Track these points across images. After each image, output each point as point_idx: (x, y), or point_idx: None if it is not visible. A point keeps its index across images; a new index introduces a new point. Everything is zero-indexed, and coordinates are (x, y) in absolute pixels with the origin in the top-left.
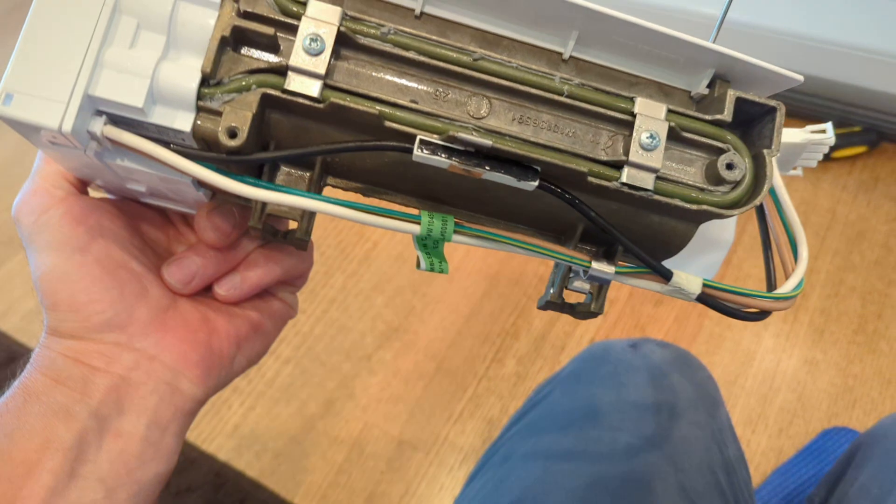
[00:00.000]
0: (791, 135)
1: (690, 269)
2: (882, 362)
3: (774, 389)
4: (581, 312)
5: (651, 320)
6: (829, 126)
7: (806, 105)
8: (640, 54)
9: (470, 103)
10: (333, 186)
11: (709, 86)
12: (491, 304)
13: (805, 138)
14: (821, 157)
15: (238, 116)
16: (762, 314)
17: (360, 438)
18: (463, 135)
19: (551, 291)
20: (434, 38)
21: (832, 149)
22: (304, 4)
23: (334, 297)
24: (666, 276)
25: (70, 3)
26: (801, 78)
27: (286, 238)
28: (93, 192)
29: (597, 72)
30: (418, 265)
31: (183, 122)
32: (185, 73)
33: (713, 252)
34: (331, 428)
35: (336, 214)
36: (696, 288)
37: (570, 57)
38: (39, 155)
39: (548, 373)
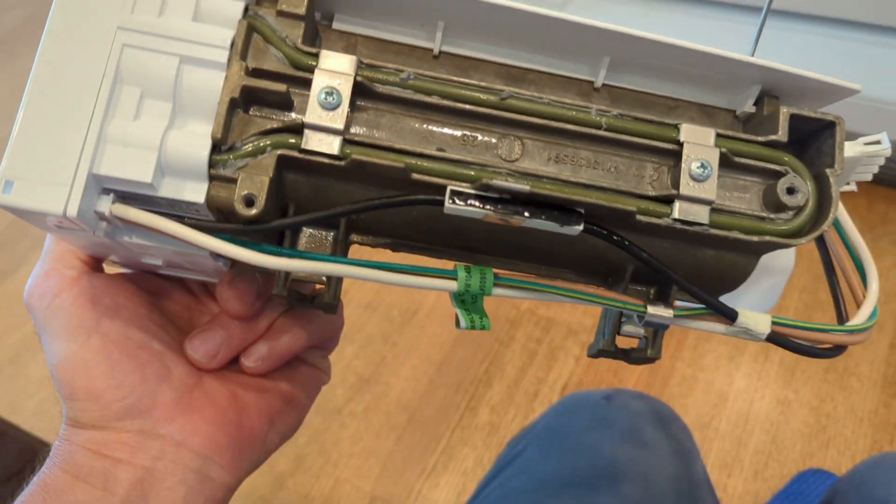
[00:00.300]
0: (845, 148)
1: (747, 299)
2: (854, 400)
3: (748, 431)
4: (636, 359)
5: (623, 364)
6: (883, 136)
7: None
8: (678, 75)
9: (501, 146)
10: (360, 244)
11: (756, 103)
12: (463, 350)
13: (860, 151)
14: (876, 169)
15: (254, 183)
16: (837, 350)
17: (331, 496)
18: (497, 182)
19: (603, 339)
20: (457, 79)
21: None
22: (317, 55)
23: None
24: (731, 316)
25: (69, 77)
26: (859, 87)
27: (314, 303)
28: (108, 268)
29: (632, 98)
30: (458, 324)
31: (195, 193)
32: (195, 142)
33: (772, 279)
34: (301, 486)
35: (364, 278)
36: (764, 328)
37: (603, 85)
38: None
39: (522, 421)
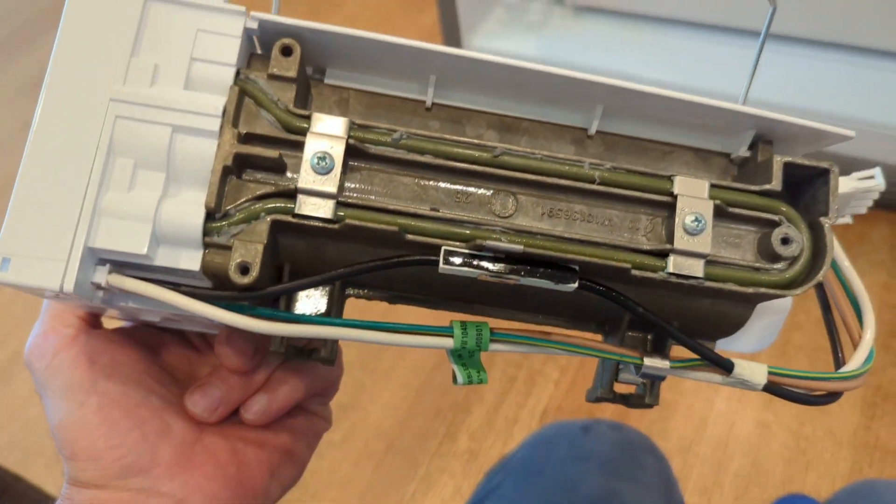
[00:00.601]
0: (840, 184)
1: (744, 339)
2: (832, 423)
3: (728, 455)
4: (634, 404)
5: None
6: (877, 171)
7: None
8: (672, 121)
9: (494, 202)
10: (356, 297)
11: (750, 147)
12: (441, 375)
13: (854, 187)
14: (871, 203)
15: (249, 251)
16: (833, 396)
17: None
18: (490, 242)
19: (601, 387)
20: (449, 137)
21: None
22: (309, 118)
23: None
24: (727, 367)
25: (63, 151)
26: (852, 133)
27: (311, 357)
28: (106, 321)
29: (626, 144)
30: (455, 380)
31: (191, 261)
32: (189, 211)
33: (769, 318)
34: None
35: (361, 340)
36: (761, 378)
37: (597, 132)
38: None
39: (501, 447)
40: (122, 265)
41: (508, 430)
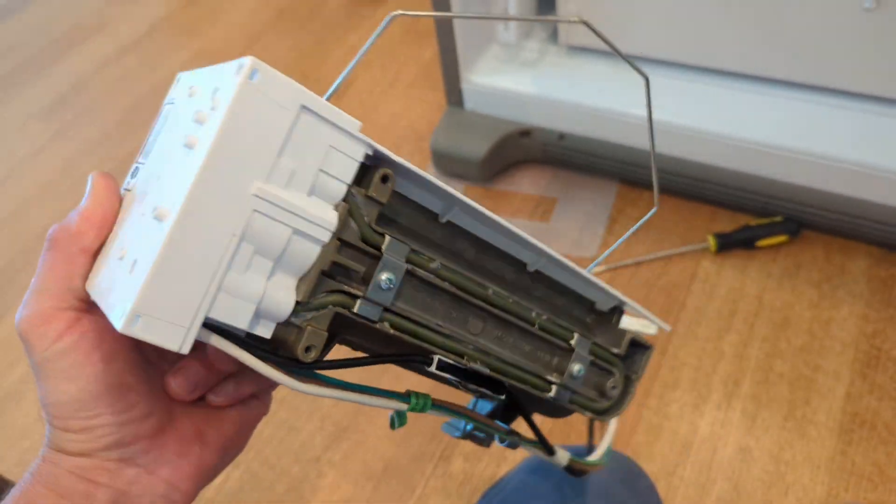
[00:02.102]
0: (629, 323)
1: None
2: (811, 448)
3: (711, 479)
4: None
5: None
6: (654, 328)
7: (732, 197)
8: (577, 277)
9: (471, 323)
10: (340, 343)
11: (612, 309)
12: (438, 397)
13: (637, 327)
14: (653, 332)
15: (316, 336)
16: (581, 473)
17: None
18: (475, 366)
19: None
20: (465, 273)
21: (757, 238)
22: (383, 236)
23: (283, 397)
24: (550, 452)
25: (205, 231)
26: (668, 327)
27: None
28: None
29: (549, 282)
30: (392, 426)
31: (265, 330)
32: (284, 298)
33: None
34: None
35: (331, 396)
36: (564, 461)
37: (535, 271)
38: (41, 263)
39: (495, 469)
40: (214, 327)
41: (501, 453)
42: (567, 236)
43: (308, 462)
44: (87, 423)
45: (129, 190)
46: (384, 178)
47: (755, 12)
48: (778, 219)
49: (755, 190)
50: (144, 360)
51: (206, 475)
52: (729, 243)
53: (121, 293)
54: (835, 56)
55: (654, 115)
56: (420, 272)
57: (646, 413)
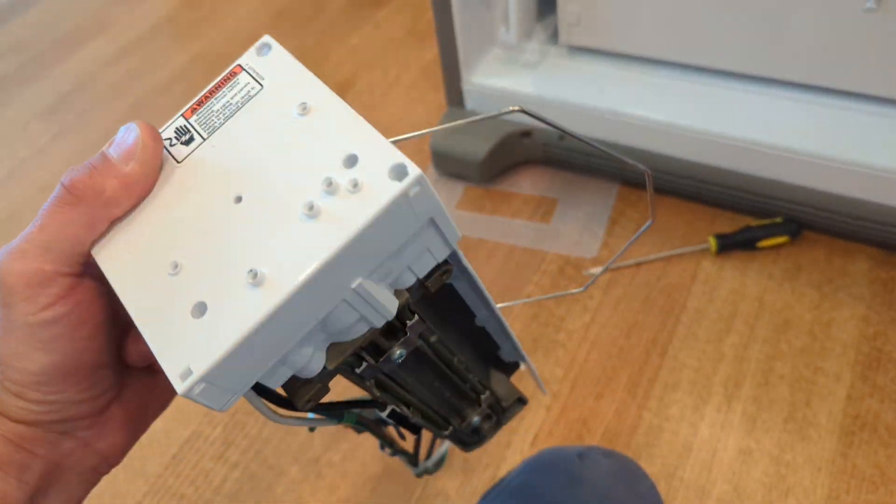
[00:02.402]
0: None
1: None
2: (812, 450)
3: (711, 481)
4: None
5: (592, 414)
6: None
7: (733, 197)
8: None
9: (432, 382)
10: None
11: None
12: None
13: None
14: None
15: (322, 393)
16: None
17: None
18: (416, 418)
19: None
20: (447, 343)
21: (757, 239)
22: (413, 313)
23: None
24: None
25: (297, 318)
26: (546, 391)
27: None
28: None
29: (483, 332)
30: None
31: (283, 378)
32: (316, 363)
33: None
34: None
35: (297, 424)
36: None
37: (480, 325)
38: (50, 214)
39: (494, 470)
40: None
41: (501, 454)
42: (568, 237)
43: (307, 463)
44: (47, 397)
45: (174, 157)
46: (444, 273)
47: (756, 13)
48: (778, 220)
49: (756, 191)
50: (116, 322)
51: (133, 444)
52: (729, 244)
53: (181, 340)
54: (836, 56)
55: (655, 115)
56: (422, 345)
57: (646, 415)
